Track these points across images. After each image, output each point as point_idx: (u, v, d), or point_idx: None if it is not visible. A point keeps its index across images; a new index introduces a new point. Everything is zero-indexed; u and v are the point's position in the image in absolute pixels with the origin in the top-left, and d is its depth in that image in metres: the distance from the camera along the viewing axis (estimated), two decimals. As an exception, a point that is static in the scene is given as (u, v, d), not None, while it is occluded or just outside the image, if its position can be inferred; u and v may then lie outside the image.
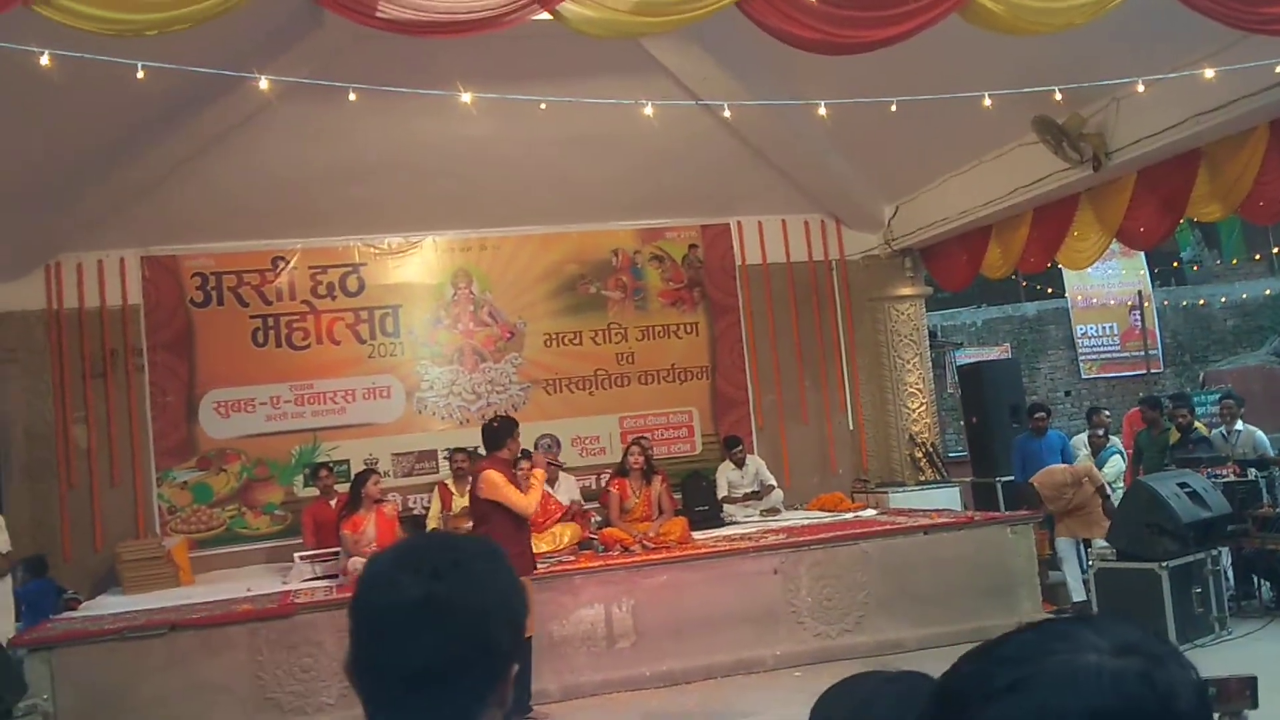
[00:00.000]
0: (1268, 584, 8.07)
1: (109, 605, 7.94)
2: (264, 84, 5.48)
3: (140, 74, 4.64)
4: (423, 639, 1.19)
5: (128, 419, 9.76)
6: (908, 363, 11.39)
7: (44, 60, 4.63)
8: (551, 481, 9.35)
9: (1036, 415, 10.17)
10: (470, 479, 8.99)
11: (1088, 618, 0.91)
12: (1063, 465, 9.22)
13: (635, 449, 9.04)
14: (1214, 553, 7.44)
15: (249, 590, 7.96)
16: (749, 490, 10.16)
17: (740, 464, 10.22)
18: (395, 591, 1.21)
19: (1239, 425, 9.54)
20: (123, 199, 9.13)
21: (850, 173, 10.63)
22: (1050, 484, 8.74)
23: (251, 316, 10.18)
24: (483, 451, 7.15)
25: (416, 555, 1.25)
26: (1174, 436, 9.66)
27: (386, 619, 1.21)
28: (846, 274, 11.55)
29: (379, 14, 4.81)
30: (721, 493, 10.14)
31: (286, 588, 8.00)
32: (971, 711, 0.84)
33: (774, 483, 10.25)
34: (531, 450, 6.94)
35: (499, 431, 6.84)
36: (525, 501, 6.63)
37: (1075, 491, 8.62)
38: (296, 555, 8.65)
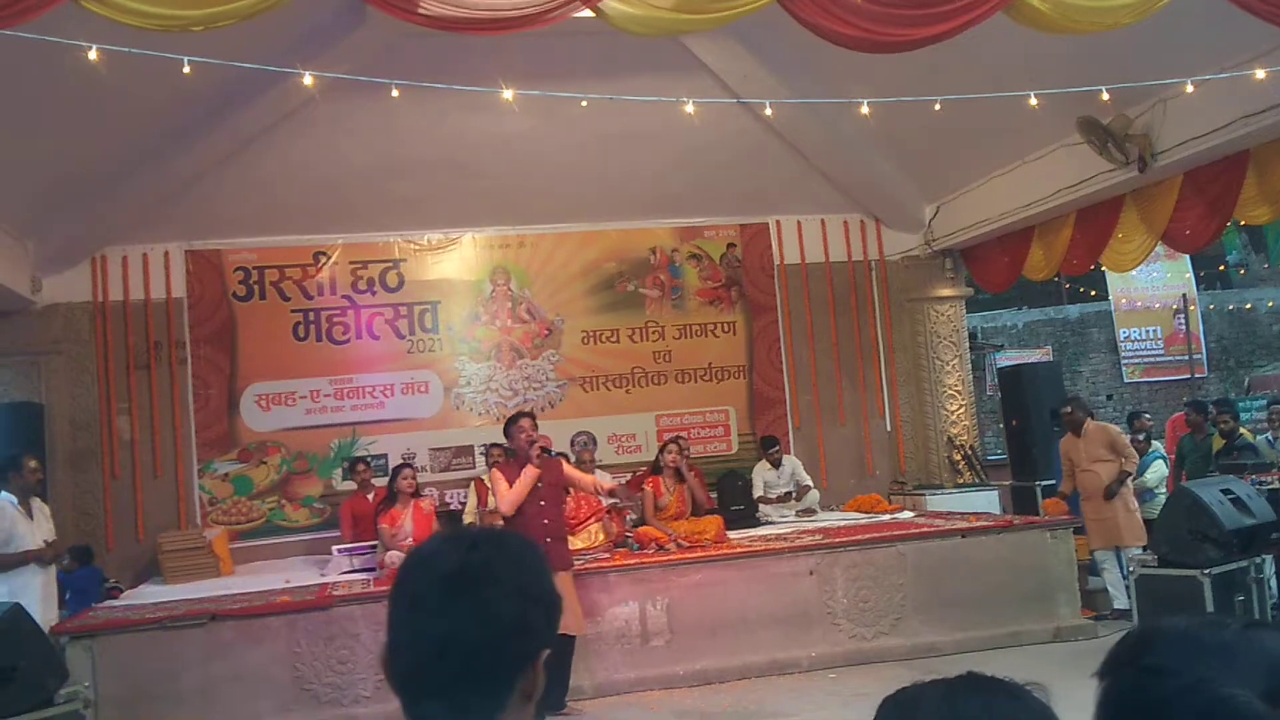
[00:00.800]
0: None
1: (150, 595, 8.04)
2: (308, 79, 5.53)
3: (187, 69, 4.69)
4: (456, 606, 1.19)
5: (170, 411, 9.88)
6: (947, 364, 11.31)
7: (91, 55, 4.69)
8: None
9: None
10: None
11: (1251, 624, 0.89)
12: None
13: (673, 447, 9.03)
14: (1258, 560, 7.31)
15: (287, 582, 8.03)
16: (785, 490, 10.12)
17: (777, 464, 10.18)
18: (433, 566, 1.23)
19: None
20: (168, 193, 9.24)
21: (891, 172, 10.57)
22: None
23: (293, 311, 10.28)
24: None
25: (458, 536, 1.28)
26: (1218, 442, 9.52)
27: (421, 589, 1.23)
28: (886, 274, 11.48)
29: (421, 10, 4.83)
30: (757, 492, 10.11)
31: (324, 580, 8.07)
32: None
33: (810, 483, 10.20)
34: (534, 442, 6.72)
35: (506, 426, 6.92)
36: (502, 499, 6.59)
37: None
38: (334, 548, 8.71)
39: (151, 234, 9.75)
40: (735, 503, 9.86)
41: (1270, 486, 8.25)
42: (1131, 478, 8.85)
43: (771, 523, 9.63)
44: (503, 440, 9.47)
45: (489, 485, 9.14)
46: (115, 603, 7.83)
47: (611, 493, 7.33)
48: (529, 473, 6.55)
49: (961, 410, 11.27)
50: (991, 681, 1.10)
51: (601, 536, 8.30)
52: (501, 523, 6.92)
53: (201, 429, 9.97)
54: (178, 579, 8.50)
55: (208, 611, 6.98)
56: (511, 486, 6.53)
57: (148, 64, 4.98)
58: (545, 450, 6.65)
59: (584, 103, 5.79)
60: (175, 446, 9.87)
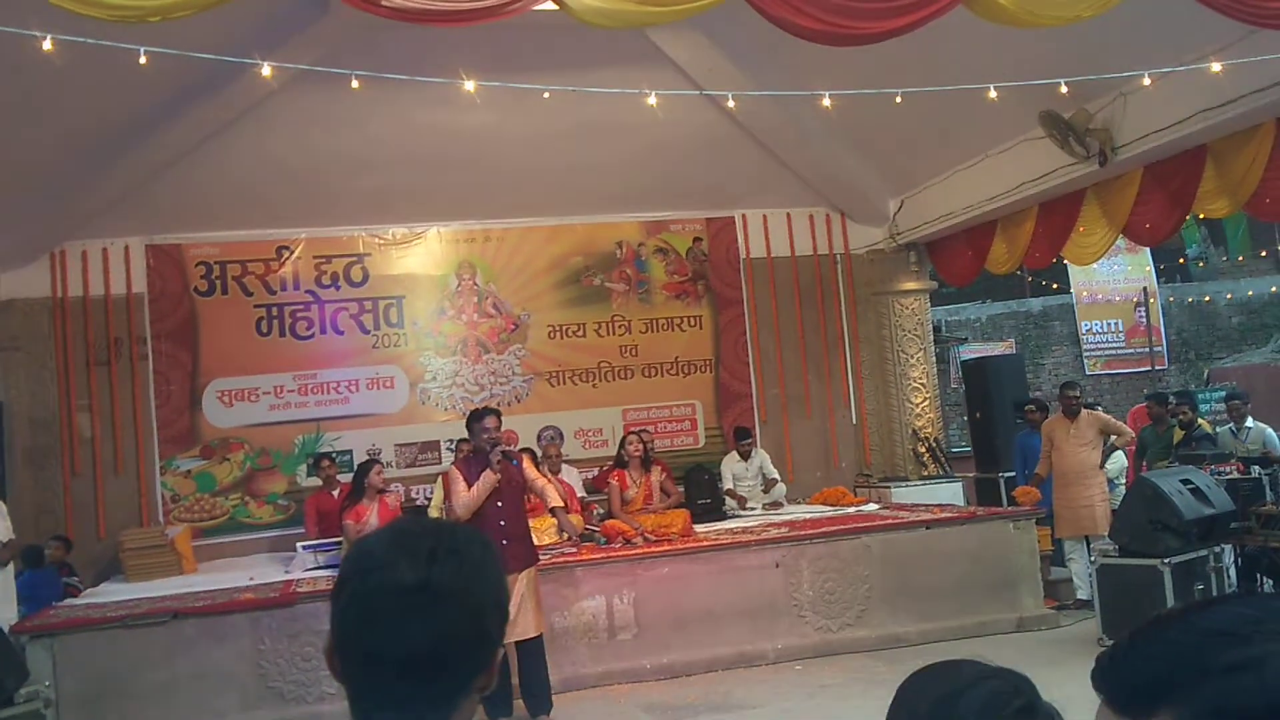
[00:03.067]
0: (1270, 581, 8.05)
1: (112, 593, 7.95)
2: (267, 70, 5.48)
3: (143, 59, 4.63)
4: (419, 625, 1.16)
5: (131, 407, 9.78)
6: (912, 357, 11.37)
7: (46, 45, 4.62)
8: (554, 474, 9.35)
9: (1028, 408, 10.17)
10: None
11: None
12: None
13: (633, 438, 9.03)
14: (1216, 550, 7.43)
15: (251, 579, 7.97)
16: (753, 483, 10.15)
17: (747, 456, 10.20)
18: (391, 575, 1.18)
19: (1249, 422, 9.52)
20: (127, 187, 9.14)
21: (855, 166, 10.62)
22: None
23: (255, 306, 10.19)
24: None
25: (412, 539, 1.22)
26: (1178, 434, 9.65)
27: (380, 603, 1.18)
28: (851, 268, 11.54)
29: (385, 2, 4.79)
30: (726, 484, 10.13)
31: (289, 577, 8.02)
32: (1182, 686, 0.78)
33: (777, 476, 10.24)
34: (496, 443, 6.58)
35: (469, 422, 6.82)
36: (456, 500, 6.46)
37: None
38: (299, 544, 8.66)
39: (111, 228, 9.63)
40: (702, 496, 9.88)
41: (1229, 477, 8.37)
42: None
43: (738, 516, 9.66)
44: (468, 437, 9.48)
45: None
46: (76, 601, 7.74)
47: (553, 512, 7.23)
48: (487, 479, 6.40)
49: (926, 403, 11.34)
50: (1000, 670, 1.09)
51: (549, 534, 8.26)
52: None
53: (163, 426, 9.87)
54: (140, 577, 8.41)
55: (170, 609, 6.92)
56: (470, 487, 6.44)
57: (106, 55, 4.91)
58: (506, 455, 6.54)
59: (546, 95, 5.77)
60: (136, 443, 9.76)
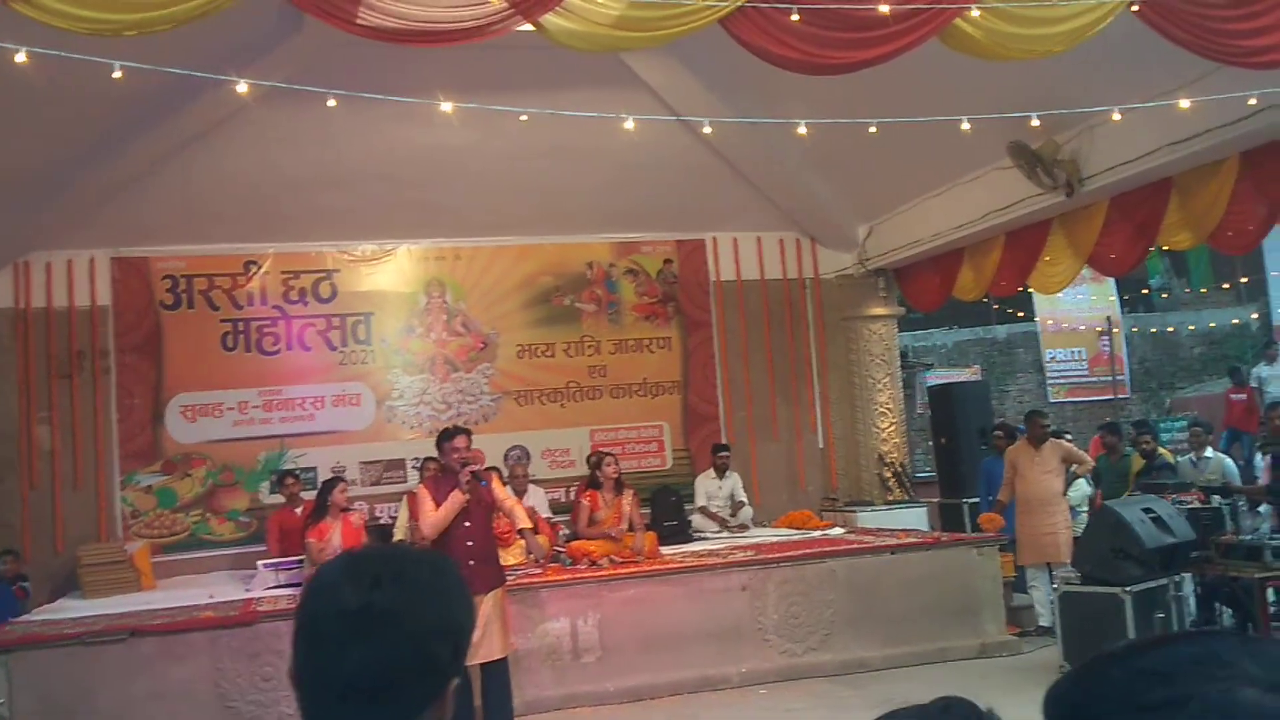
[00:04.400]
0: (1229, 610, 8.14)
1: (69, 609, 7.82)
2: (242, 87, 5.45)
3: (118, 74, 4.60)
4: (358, 649, 1.17)
5: (93, 421, 9.65)
6: (879, 382, 11.43)
7: (20, 58, 4.58)
8: (520, 493, 9.31)
9: (995, 434, 10.24)
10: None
11: (1242, 637, 0.87)
12: None
13: (611, 459, 9.00)
14: (1177, 578, 7.50)
15: (211, 597, 7.87)
16: (723, 504, 10.15)
17: (723, 471, 10.21)
18: (336, 599, 1.20)
19: (1208, 452, 9.63)
20: (95, 199, 9.05)
21: (826, 192, 10.69)
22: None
23: (221, 320, 10.10)
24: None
25: (362, 564, 1.24)
26: (1138, 463, 9.74)
27: (324, 627, 1.20)
28: (820, 293, 11.60)
29: (359, 21, 4.78)
30: (699, 502, 10.13)
31: (249, 595, 7.91)
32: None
33: (745, 500, 10.26)
34: (467, 463, 6.50)
35: (439, 441, 6.73)
36: (423, 520, 6.37)
37: None
38: (260, 563, 8.56)
39: (77, 240, 9.53)
40: (669, 518, 9.86)
41: (1190, 506, 8.46)
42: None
43: (705, 538, 9.65)
44: (435, 455, 9.41)
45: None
46: (32, 617, 7.60)
47: (521, 534, 7.17)
48: (455, 499, 6.31)
49: (892, 428, 11.40)
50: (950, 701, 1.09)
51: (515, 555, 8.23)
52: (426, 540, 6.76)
53: (125, 440, 9.75)
54: (98, 593, 8.29)
55: (128, 627, 6.82)
56: (438, 507, 6.38)
57: (77, 68, 4.86)
58: (475, 476, 6.48)
59: (524, 117, 5.77)
60: (97, 457, 9.63)
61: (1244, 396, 14.16)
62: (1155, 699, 0.79)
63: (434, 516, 6.31)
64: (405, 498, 9.45)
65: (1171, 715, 0.77)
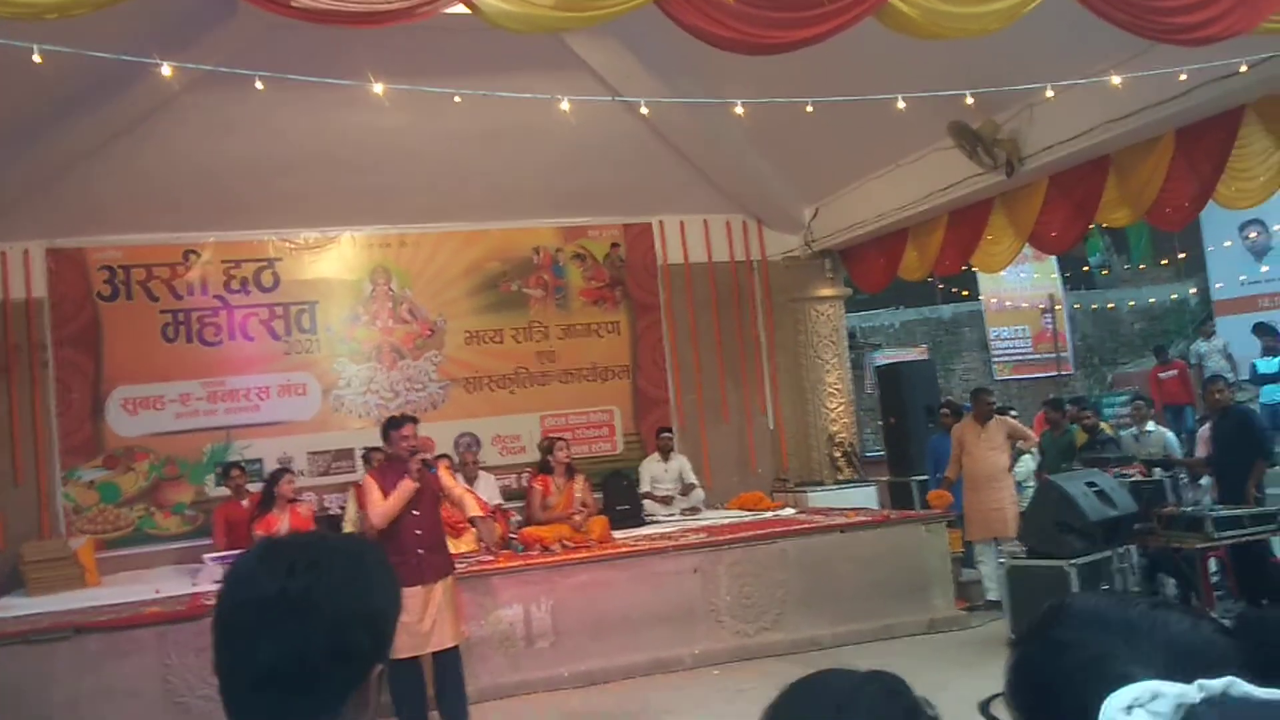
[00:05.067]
0: (1173, 581, 8.30)
1: (12, 607, 7.69)
2: (167, 70, 5.35)
3: (37, 58, 4.48)
4: (271, 637, 1.16)
5: (31, 416, 9.46)
6: (827, 363, 11.50)
7: (-64, 42, 4.45)
8: (471, 480, 9.26)
9: (942, 410, 10.36)
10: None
11: (1159, 603, 1.01)
12: None
13: (562, 444, 8.98)
14: (1121, 550, 7.63)
15: (157, 592, 7.77)
16: (670, 488, 10.18)
17: (667, 453, 10.23)
18: (250, 588, 1.18)
19: (1150, 426, 9.80)
20: (27, 190, 8.85)
21: (770, 173, 10.72)
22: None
23: (161, 311, 9.94)
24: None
25: (277, 553, 1.22)
26: (1081, 438, 9.89)
27: (239, 616, 1.18)
28: (768, 274, 11.64)
29: (293, 3, 4.70)
30: (644, 487, 10.16)
31: (196, 590, 7.82)
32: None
33: (695, 482, 10.30)
34: (416, 452, 6.43)
35: (384, 428, 6.63)
36: (373, 509, 6.23)
37: None
38: (206, 556, 8.47)
39: (10, 231, 9.31)
40: (621, 502, 9.87)
41: (1132, 479, 8.62)
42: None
43: (656, 521, 9.67)
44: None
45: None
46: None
47: (472, 522, 7.11)
48: (406, 487, 6.22)
49: (841, 408, 11.48)
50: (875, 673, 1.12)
51: (466, 542, 8.19)
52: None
53: (64, 435, 9.57)
54: (42, 590, 8.16)
55: (72, 624, 6.72)
56: (386, 496, 6.30)
57: (2, 53, 4.74)
58: (425, 464, 6.42)
59: (457, 99, 5.70)
60: (36, 453, 9.45)
61: (1174, 372, 14.43)
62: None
63: (384, 506, 6.23)
64: (352, 489, 9.36)
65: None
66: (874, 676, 1.10)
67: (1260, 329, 13.69)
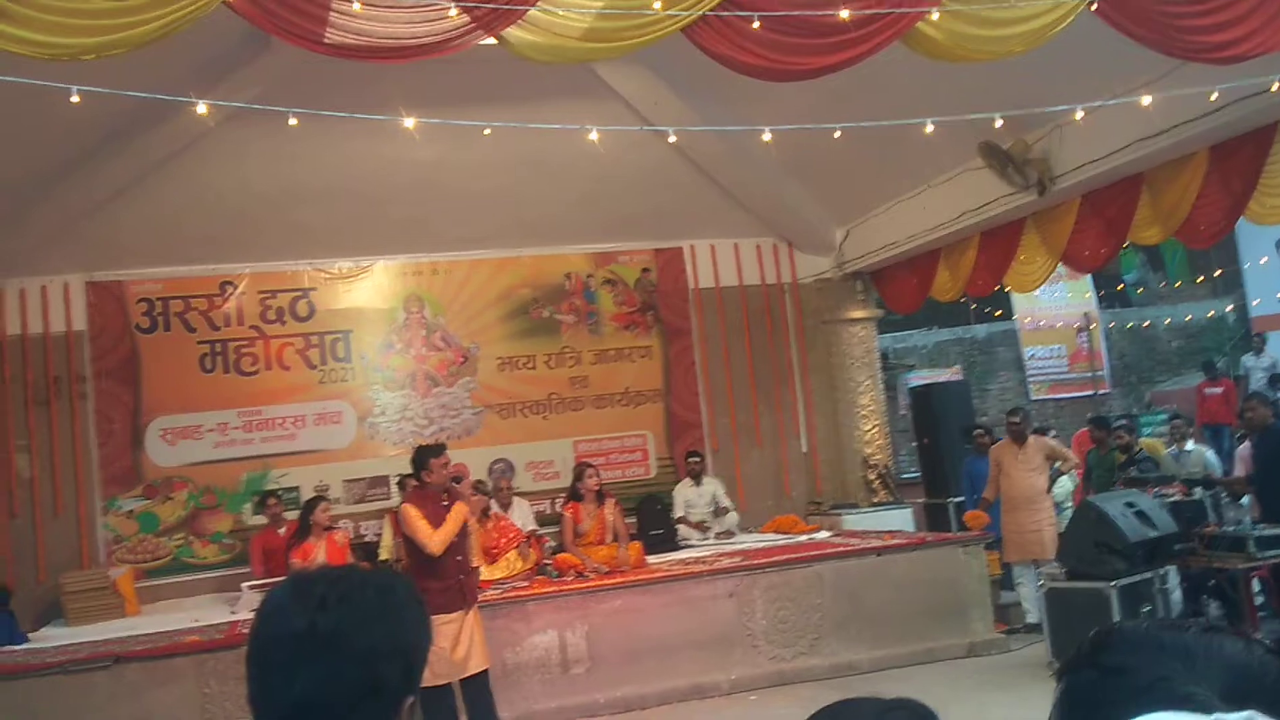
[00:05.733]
0: (1215, 602, 8.18)
1: (53, 637, 7.78)
2: (202, 108, 5.44)
3: (75, 98, 4.58)
4: (303, 671, 1.17)
5: (71, 447, 9.59)
6: (860, 385, 11.45)
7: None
8: (505, 506, 9.29)
9: (976, 433, 10.28)
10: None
11: (1210, 627, 0.96)
12: None
13: (592, 471, 8.98)
14: (1162, 571, 7.52)
15: (196, 621, 7.84)
16: (705, 511, 10.14)
17: (698, 477, 10.20)
18: (282, 622, 1.20)
19: (1189, 445, 9.67)
20: (67, 224, 9.01)
21: (801, 197, 10.72)
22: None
23: (199, 342, 10.06)
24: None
25: (308, 586, 1.24)
26: (1119, 457, 9.78)
27: (271, 649, 1.20)
28: (799, 297, 11.63)
29: (326, 40, 4.78)
30: (678, 513, 10.13)
31: (235, 618, 7.87)
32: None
33: (729, 505, 10.26)
34: (460, 479, 6.49)
35: (417, 457, 6.60)
36: (430, 538, 6.15)
37: None
38: (244, 584, 8.52)
39: (50, 266, 9.48)
40: (654, 527, 9.86)
41: (1172, 499, 8.50)
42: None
43: (691, 546, 9.65)
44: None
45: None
46: (15, 647, 7.54)
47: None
48: (461, 512, 6.24)
49: (875, 430, 11.42)
50: (899, 700, 1.11)
51: (519, 564, 8.24)
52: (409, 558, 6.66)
53: (104, 465, 9.70)
54: (81, 620, 8.25)
55: (112, 654, 6.78)
56: (430, 523, 6.29)
57: (41, 93, 4.84)
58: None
59: (487, 131, 5.77)
60: (77, 484, 9.57)
61: (1220, 390, 14.22)
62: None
63: (443, 533, 6.17)
64: (388, 516, 9.41)
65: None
66: (900, 703, 1.09)
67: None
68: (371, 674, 1.19)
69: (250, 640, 1.23)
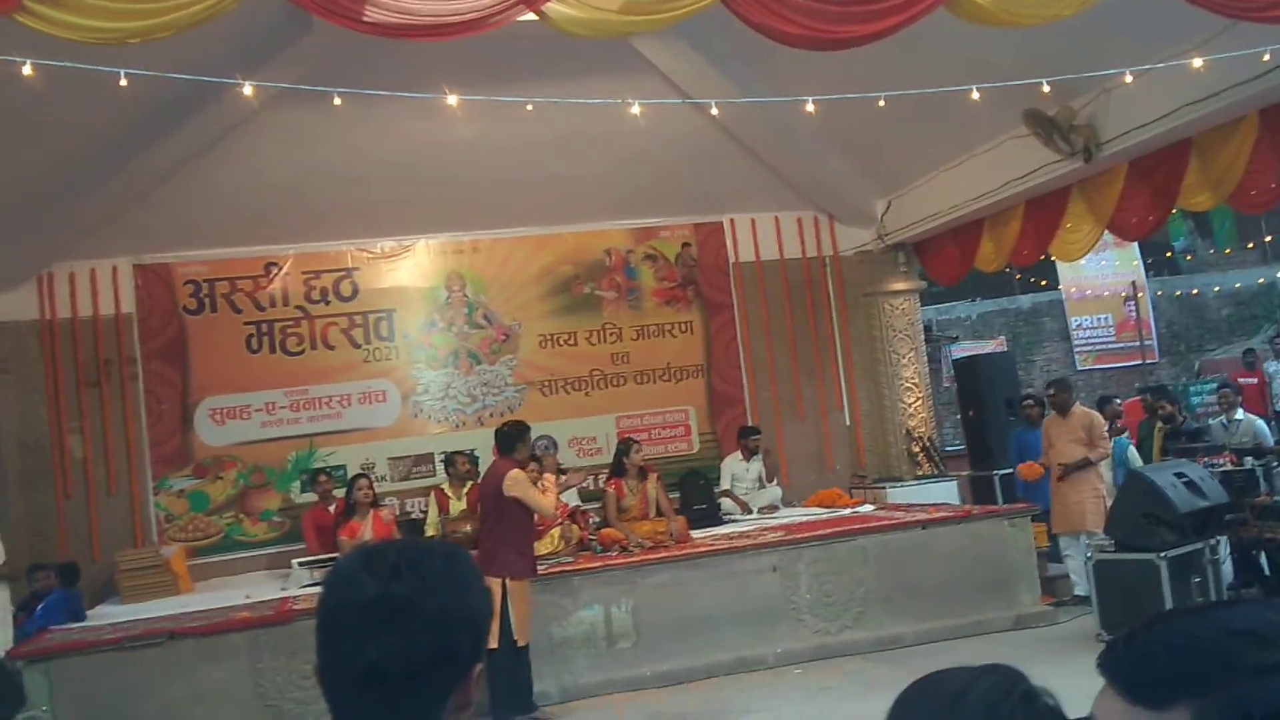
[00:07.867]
0: (1269, 572, 8.07)
1: (107, 615, 7.92)
2: (248, 90, 5.48)
3: (123, 81, 4.62)
4: (377, 639, 1.19)
5: (123, 428, 9.75)
6: (903, 357, 11.37)
7: (26, 70, 4.62)
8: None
9: (1025, 404, 10.18)
10: (467, 482, 9.01)
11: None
12: None
13: (636, 445, 9.03)
14: (1212, 542, 7.44)
15: (248, 597, 7.95)
16: (749, 486, 10.13)
17: (752, 454, 10.16)
18: (354, 591, 1.22)
19: (1239, 414, 9.54)
20: (114, 208, 9.12)
21: (842, 168, 10.63)
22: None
23: (245, 323, 10.17)
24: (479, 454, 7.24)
25: (379, 556, 1.26)
26: (1162, 427, 9.67)
27: (344, 618, 1.22)
28: (840, 270, 11.55)
29: (365, 18, 4.79)
30: (725, 485, 10.13)
31: (285, 594, 7.99)
32: (1205, 682, 0.81)
33: (774, 476, 10.26)
34: (540, 454, 6.95)
35: (510, 435, 6.90)
36: (546, 504, 6.71)
37: None
38: (294, 561, 8.64)
39: (98, 249, 9.61)
40: (698, 502, 9.88)
41: (1222, 469, 8.39)
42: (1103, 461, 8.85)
43: (734, 520, 9.66)
44: (462, 448, 9.56)
45: (448, 494, 9.13)
46: (72, 624, 7.69)
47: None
48: (552, 480, 7.05)
49: (919, 402, 11.35)
50: (991, 666, 1.10)
51: (561, 543, 8.31)
52: (480, 524, 7.03)
53: (155, 445, 9.85)
54: (135, 598, 8.38)
55: (166, 630, 6.90)
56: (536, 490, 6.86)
57: (89, 78, 4.90)
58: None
59: (530, 107, 5.76)
60: (129, 464, 9.73)
61: (1254, 380, 13.99)
62: (1261, 661, 0.79)
63: (551, 498, 6.92)
64: (433, 492, 9.50)
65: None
66: (990, 668, 1.09)
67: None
68: (445, 641, 1.21)
69: (320, 608, 1.26)
